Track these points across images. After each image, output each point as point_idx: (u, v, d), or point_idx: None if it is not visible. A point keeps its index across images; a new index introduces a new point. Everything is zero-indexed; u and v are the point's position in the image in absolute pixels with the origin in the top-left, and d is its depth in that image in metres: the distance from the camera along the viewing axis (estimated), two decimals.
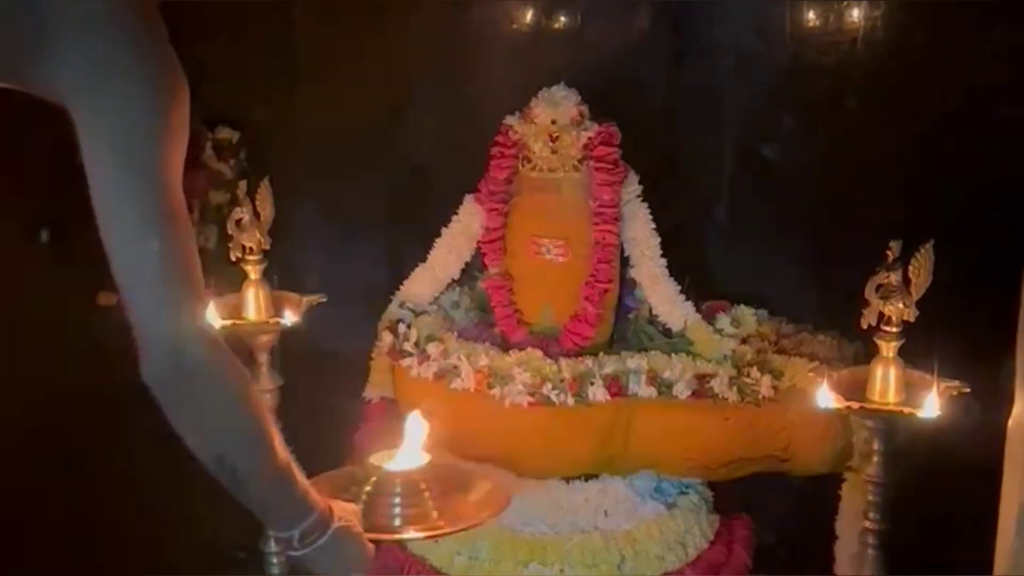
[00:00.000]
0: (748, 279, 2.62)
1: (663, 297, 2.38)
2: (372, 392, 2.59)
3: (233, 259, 2.35)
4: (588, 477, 2.35)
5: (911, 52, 2.51)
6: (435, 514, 1.69)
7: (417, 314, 2.45)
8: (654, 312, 2.40)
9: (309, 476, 2.50)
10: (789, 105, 2.68)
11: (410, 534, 1.69)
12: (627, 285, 2.46)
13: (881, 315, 2.01)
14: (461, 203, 2.45)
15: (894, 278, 1.98)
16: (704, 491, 2.48)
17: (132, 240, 1.32)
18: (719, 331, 2.39)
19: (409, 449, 1.75)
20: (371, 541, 1.62)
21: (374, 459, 1.75)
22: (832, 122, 2.67)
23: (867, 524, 2.11)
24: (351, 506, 1.64)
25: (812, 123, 2.71)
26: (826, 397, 2.03)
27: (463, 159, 2.54)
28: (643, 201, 2.37)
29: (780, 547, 2.54)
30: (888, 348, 2.02)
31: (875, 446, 2.08)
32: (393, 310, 2.46)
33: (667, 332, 2.41)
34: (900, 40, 2.55)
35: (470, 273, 2.54)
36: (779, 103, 2.67)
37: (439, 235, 2.48)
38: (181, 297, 1.33)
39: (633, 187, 2.36)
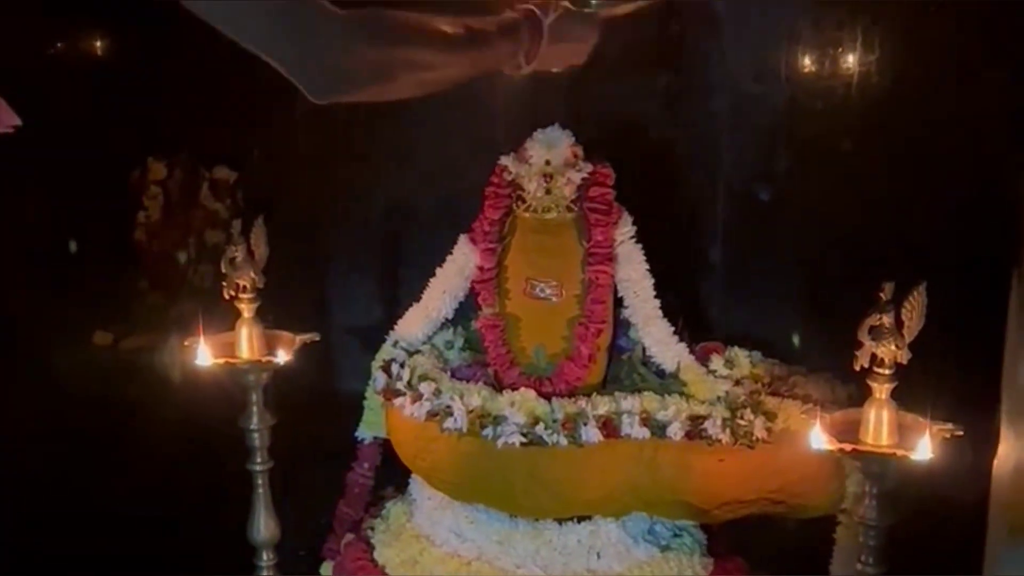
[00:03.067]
0: (742, 321, 2.63)
1: (656, 338, 2.37)
2: (365, 432, 2.58)
3: (227, 297, 2.35)
4: (581, 519, 2.34)
5: (906, 95, 2.52)
6: None
7: (411, 353, 2.45)
8: (648, 353, 2.39)
9: (306, 517, 2.56)
10: (785, 148, 2.68)
11: None
12: (621, 326, 2.45)
13: (874, 357, 2.01)
14: (455, 243, 2.44)
15: (887, 320, 1.98)
16: (698, 534, 2.48)
17: None
18: (713, 372, 2.39)
19: None
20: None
21: None
22: (828, 165, 2.66)
23: (860, 567, 2.10)
24: None
25: (808, 166, 2.71)
26: (819, 439, 2.03)
27: (459, 199, 2.54)
28: (637, 243, 2.36)
29: None
30: (881, 390, 2.02)
31: (868, 488, 2.07)
32: (387, 349, 2.46)
33: (660, 373, 2.40)
34: (895, 83, 2.55)
35: (464, 313, 2.53)
36: (775, 146, 2.68)
37: (434, 275, 2.47)
38: None
39: (627, 228, 2.36)
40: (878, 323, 1.98)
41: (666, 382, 2.38)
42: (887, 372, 2.00)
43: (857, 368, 2.01)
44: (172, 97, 3.25)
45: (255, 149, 3.32)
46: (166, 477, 2.90)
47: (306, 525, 2.63)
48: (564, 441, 2.21)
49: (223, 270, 2.35)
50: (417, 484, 2.51)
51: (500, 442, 2.21)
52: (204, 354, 2.32)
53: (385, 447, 2.59)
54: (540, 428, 2.21)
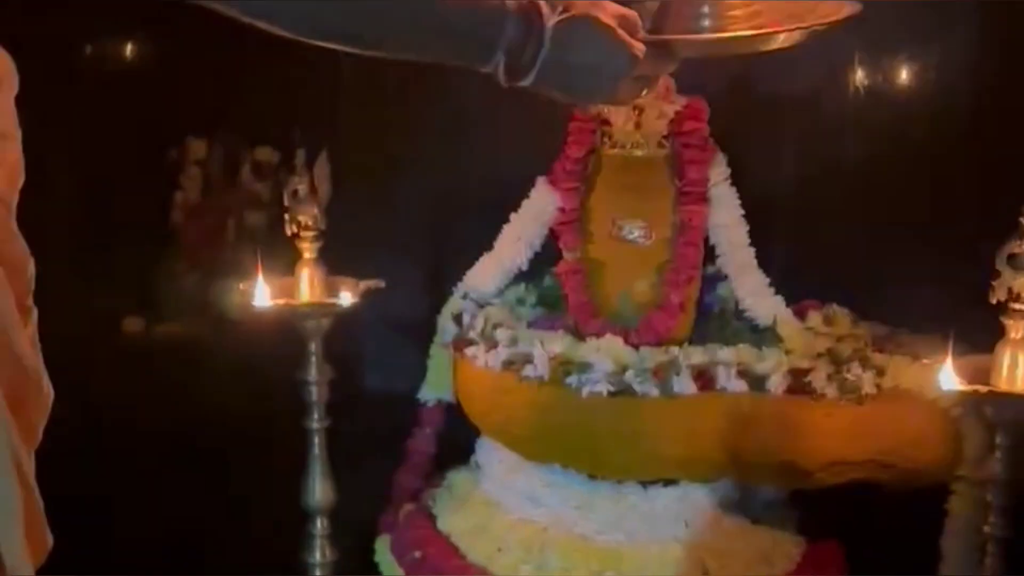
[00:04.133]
0: (829, 284, 2.42)
1: (751, 289, 2.19)
2: (428, 394, 2.39)
3: (288, 233, 2.18)
4: (667, 482, 2.14)
5: None
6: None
7: (481, 306, 2.26)
8: (741, 306, 2.20)
9: (358, 491, 2.36)
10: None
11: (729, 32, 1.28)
12: (706, 282, 2.27)
13: (1010, 291, 1.82)
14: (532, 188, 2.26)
15: None
16: (789, 511, 2.28)
17: None
18: (811, 329, 2.19)
19: None
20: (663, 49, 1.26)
21: None
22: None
23: (987, 529, 1.90)
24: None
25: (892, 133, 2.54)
26: (949, 378, 1.83)
27: (534, 147, 2.36)
28: (731, 185, 2.18)
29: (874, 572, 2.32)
30: (1018, 328, 1.83)
31: (999, 440, 1.87)
32: (455, 301, 2.28)
33: (754, 329, 2.21)
34: None
35: (537, 269, 2.34)
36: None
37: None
38: None
39: (721, 169, 2.18)
40: (1019, 250, 1.79)
41: (761, 337, 2.17)
42: None
43: (993, 301, 1.81)
44: (215, 75, 3.10)
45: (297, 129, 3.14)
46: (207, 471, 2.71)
47: (361, 498, 2.42)
48: (655, 391, 2.02)
49: (285, 203, 2.17)
50: (485, 447, 2.31)
51: (586, 391, 2.02)
52: (262, 294, 2.14)
53: (448, 413, 2.40)
54: (630, 376, 2.02)
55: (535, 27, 1.12)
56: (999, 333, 1.86)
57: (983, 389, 1.81)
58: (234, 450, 2.72)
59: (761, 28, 1.28)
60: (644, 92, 1.29)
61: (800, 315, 2.24)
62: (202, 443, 2.80)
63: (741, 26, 1.28)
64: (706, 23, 1.28)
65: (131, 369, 3.18)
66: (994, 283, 1.80)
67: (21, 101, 1.23)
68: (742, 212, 2.19)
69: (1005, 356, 1.83)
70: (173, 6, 1.14)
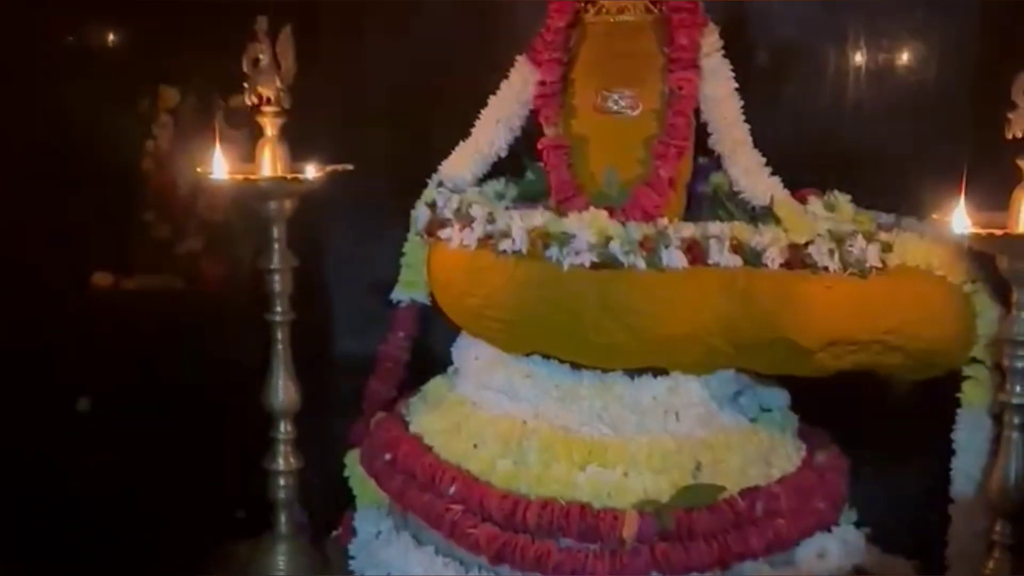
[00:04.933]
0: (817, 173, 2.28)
1: (746, 168, 2.04)
2: (402, 292, 2.24)
3: (248, 104, 2.03)
4: (657, 373, 1.97)
5: None
6: None
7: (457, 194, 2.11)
8: (735, 187, 2.05)
9: (339, 416, 2.19)
10: None
11: None
12: (699, 172, 2.12)
13: None
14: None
15: None
16: (789, 414, 2.12)
17: None
18: (811, 213, 2.04)
19: None
20: None
21: None
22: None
23: (1004, 397, 1.74)
24: None
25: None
26: (961, 221, 1.67)
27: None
28: (724, 57, 2.04)
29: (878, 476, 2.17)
30: None
31: (1017, 297, 1.71)
32: (431, 191, 2.12)
33: (749, 212, 2.05)
34: None
35: (517, 163, 2.20)
36: None
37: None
38: None
39: (713, 39, 2.04)
40: None
41: (757, 220, 2.02)
42: None
43: (1009, 136, 1.67)
44: (189, 21, 2.97)
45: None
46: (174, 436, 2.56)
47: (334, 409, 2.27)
48: (642, 264, 1.86)
49: (244, 70, 2.02)
50: (461, 346, 2.15)
51: (567, 262, 1.87)
52: (219, 165, 1.98)
53: (424, 317, 2.25)
54: (614, 247, 1.86)
55: None
56: (1015, 179, 1.71)
57: (999, 232, 1.65)
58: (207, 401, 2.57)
59: None
60: None
61: (800, 202, 2.08)
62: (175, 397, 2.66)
63: None
64: None
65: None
66: (1010, 115, 1.65)
67: None
68: (736, 85, 2.05)
69: (1022, 202, 1.68)
70: None
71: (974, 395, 1.92)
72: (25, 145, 3.10)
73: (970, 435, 1.94)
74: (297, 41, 2.11)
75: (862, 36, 2.51)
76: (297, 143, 2.11)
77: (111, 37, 3.34)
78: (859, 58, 2.51)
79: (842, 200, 2.08)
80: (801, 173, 2.16)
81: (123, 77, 3.20)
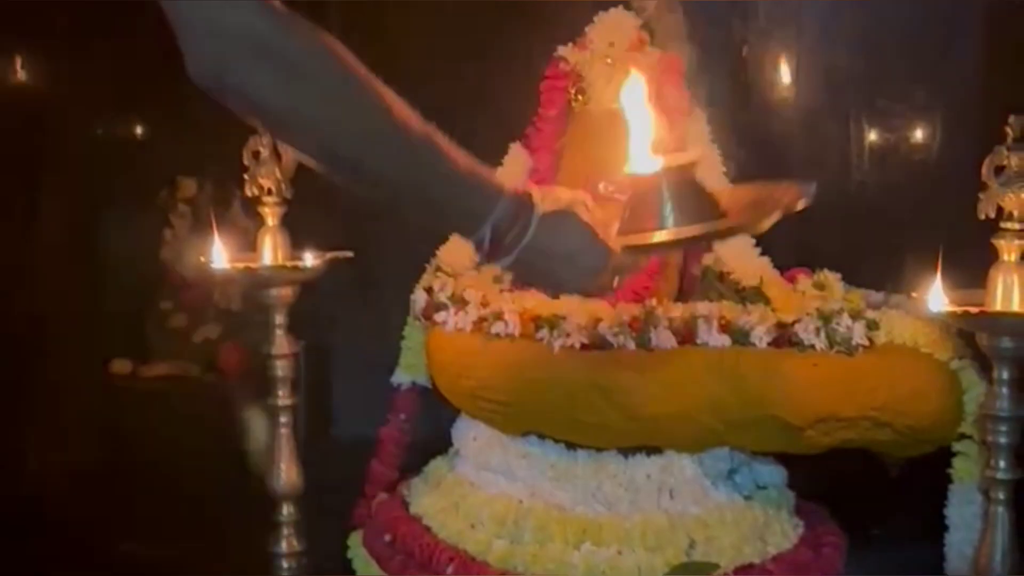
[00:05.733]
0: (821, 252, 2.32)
1: (736, 250, 2.08)
2: (403, 376, 2.29)
3: (248, 195, 2.09)
4: (650, 452, 2.00)
5: None
6: (716, 210, 1.35)
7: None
8: (725, 269, 2.09)
9: (332, 476, 2.23)
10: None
11: (688, 230, 1.32)
12: (690, 252, 2.16)
13: (1000, 210, 1.70)
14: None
15: (1015, 161, 1.68)
16: (785, 491, 2.14)
17: None
18: (800, 293, 2.08)
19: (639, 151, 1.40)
20: (629, 248, 1.30)
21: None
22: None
23: (989, 473, 1.75)
24: (574, 192, 1.30)
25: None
26: (938, 300, 1.70)
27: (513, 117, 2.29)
28: (712, 142, 2.09)
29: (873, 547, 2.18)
30: (1010, 249, 1.71)
31: (997, 373, 1.73)
32: (428, 276, 2.17)
33: (739, 292, 2.09)
34: None
35: None
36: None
37: None
38: None
39: (701, 126, 2.10)
40: (1005, 162, 1.67)
41: (747, 297, 2.06)
42: (1016, 227, 1.69)
43: (981, 217, 1.70)
44: (206, 113, 3.07)
45: None
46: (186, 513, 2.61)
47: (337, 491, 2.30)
48: (631, 344, 1.91)
49: (244, 162, 2.09)
50: (460, 428, 2.19)
51: (557, 344, 1.91)
52: (219, 254, 2.04)
53: (424, 399, 2.29)
54: (604, 328, 1.91)
55: (524, 212, 1.19)
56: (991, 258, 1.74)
57: (974, 310, 1.68)
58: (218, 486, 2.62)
59: (722, 215, 1.34)
60: (616, 283, 1.38)
61: (790, 280, 2.12)
62: (187, 480, 2.71)
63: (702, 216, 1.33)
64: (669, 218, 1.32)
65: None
66: (981, 195, 1.69)
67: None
68: (723, 170, 2.10)
69: (999, 281, 1.71)
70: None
71: (964, 471, 1.93)
72: (46, 233, 3.20)
73: (962, 511, 1.94)
74: None
75: (862, 115, 2.56)
76: (299, 230, 2.17)
77: (132, 129, 3.46)
78: (858, 137, 2.56)
79: (831, 279, 2.12)
80: (795, 251, 2.21)
81: (142, 168, 3.30)
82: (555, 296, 1.96)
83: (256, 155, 2.10)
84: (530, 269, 1.24)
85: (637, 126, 1.42)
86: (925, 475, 2.02)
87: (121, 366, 3.38)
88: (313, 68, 1.09)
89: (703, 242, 1.54)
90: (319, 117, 1.09)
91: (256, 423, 2.61)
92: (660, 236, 1.33)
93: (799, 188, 1.40)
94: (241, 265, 2.07)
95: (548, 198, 1.23)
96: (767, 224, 1.36)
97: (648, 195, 1.35)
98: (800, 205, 1.38)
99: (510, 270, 1.26)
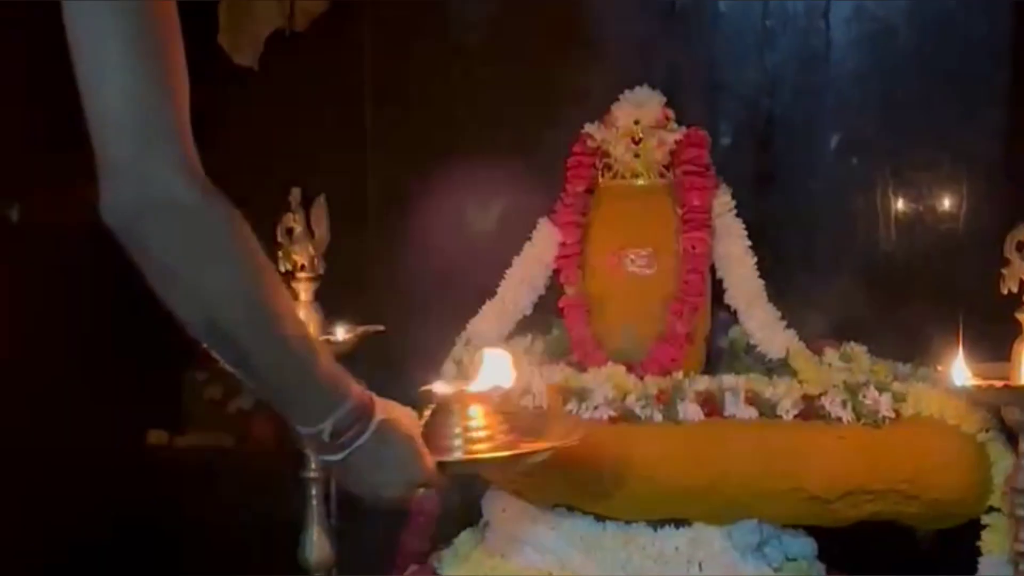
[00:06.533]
0: (846, 320, 2.33)
1: (762, 321, 2.11)
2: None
3: (282, 270, 2.13)
4: (679, 524, 2.01)
5: None
6: (508, 437, 1.42)
7: None
8: (751, 341, 2.12)
9: (363, 548, 2.25)
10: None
11: (483, 454, 1.40)
12: (717, 322, 2.19)
13: (1021, 283, 1.72)
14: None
15: None
16: (816, 564, 2.13)
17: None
18: (828, 365, 2.10)
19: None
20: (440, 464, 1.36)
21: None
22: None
23: (1018, 547, 1.76)
24: (406, 410, 1.36)
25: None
26: (961, 373, 1.72)
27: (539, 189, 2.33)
28: (737, 216, 2.12)
29: None
30: None
31: (1022, 446, 1.74)
32: (458, 349, 2.20)
33: (766, 365, 2.11)
34: None
35: (543, 318, 2.28)
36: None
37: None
38: (155, 120, 1.10)
39: (726, 199, 2.13)
40: None
41: (773, 372, 2.08)
42: None
43: (1004, 292, 1.72)
44: (234, 191, 3.13)
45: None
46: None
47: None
48: (659, 417, 1.93)
49: (278, 239, 2.13)
50: (490, 500, 2.20)
51: (586, 416, 1.93)
52: None
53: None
54: (631, 401, 1.93)
55: (365, 416, 1.25)
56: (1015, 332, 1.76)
57: (999, 384, 1.69)
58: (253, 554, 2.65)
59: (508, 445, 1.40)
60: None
61: (816, 352, 2.14)
62: (220, 547, 2.74)
63: (490, 444, 1.40)
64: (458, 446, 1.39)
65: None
66: (1003, 271, 1.71)
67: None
68: (749, 243, 2.13)
69: (1022, 355, 1.72)
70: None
71: (993, 543, 1.94)
72: (84, 310, 3.25)
73: None
74: (338, 211, 2.24)
75: (890, 186, 2.59)
76: (332, 303, 2.21)
77: None
78: (885, 210, 2.58)
79: (858, 351, 2.14)
80: (821, 323, 2.23)
81: None
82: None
83: (290, 232, 2.14)
84: (355, 471, 1.28)
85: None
86: (955, 547, 2.02)
87: (157, 436, 3.41)
88: (219, 242, 1.13)
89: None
90: (210, 286, 1.14)
91: (288, 494, 2.63)
92: (450, 458, 1.39)
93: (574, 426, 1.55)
94: None
95: (387, 408, 1.29)
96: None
97: (441, 418, 1.41)
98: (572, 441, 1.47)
99: (334, 468, 1.28)
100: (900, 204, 2.58)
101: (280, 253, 2.15)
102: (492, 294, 2.26)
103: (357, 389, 1.27)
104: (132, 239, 1.12)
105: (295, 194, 2.17)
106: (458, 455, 1.39)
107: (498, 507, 2.16)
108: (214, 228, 1.13)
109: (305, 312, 2.15)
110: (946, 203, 2.58)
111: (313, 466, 2.15)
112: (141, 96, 1.10)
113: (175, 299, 1.15)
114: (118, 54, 1.09)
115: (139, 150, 1.10)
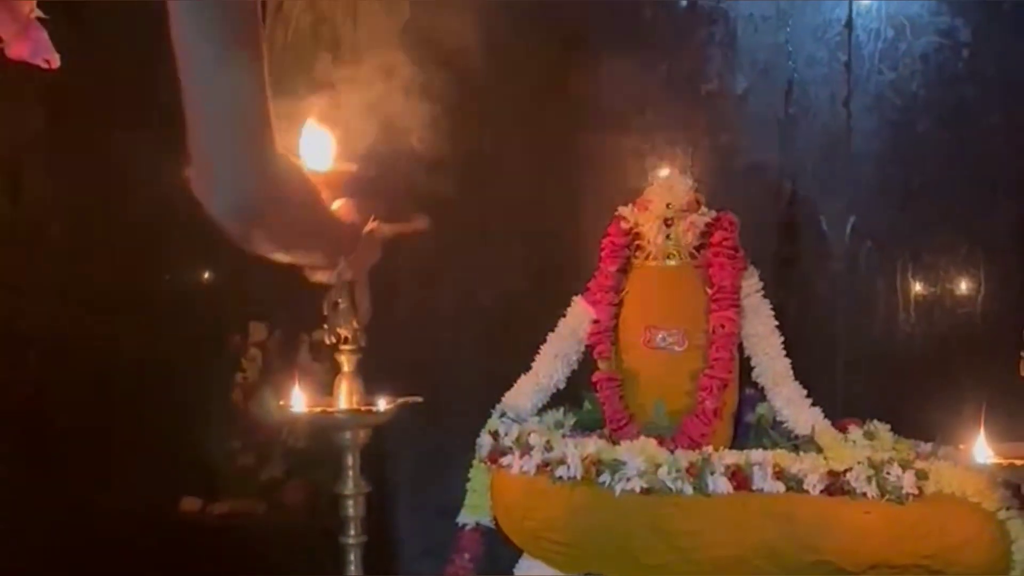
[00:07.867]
0: (867, 401, 2.41)
1: (789, 399, 2.18)
2: (467, 516, 2.37)
3: (327, 342, 2.22)
4: None
5: None
6: None
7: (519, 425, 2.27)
8: (778, 418, 2.19)
9: None
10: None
11: None
12: (745, 402, 2.27)
13: None
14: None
15: None
16: None
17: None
18: (852, 443, 2.17)
19: None
20: None
21: None
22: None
23: None
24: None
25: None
26: (982, 452, 1.79)
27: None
28: (764, 297, 2.21)
29: None
30: None
31: None
32: (494, 421, 2.28)
33: (793, 441, 2.19)
34: None
35: (575, 392, 2.36)
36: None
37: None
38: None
39: (754, 280, 2.22)
40: None
41: (799, 445, 2.15)
42: None
43: (1022, 374, 1.79)
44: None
45: None
46: None
47: None
48: (689, 489, 2.00)
49: (325, 312, 2.22)
50: (523, 568, 2.27)
51: (618, 487, 2.01)
52: (299, 400, 2.17)
53: (488, 539, 2.37)
54: (663, 473, 2.00)
55: None
56: None
57: (1019, 462, 1.77)
58: None
59: None
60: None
61: (840, 430, 2.21)
62: None
63: None
64: None
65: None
66: (1022, 354, 1.79)
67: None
68: (776, 323, 2.21)
69: None
70: None
71: None
72: (121, 375, 3.33)
73: None
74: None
75: (909, 270, 2.67)
76: (372, 375, 2.29)
77: (205, 276, 3.62)
78: (904, 292, 2.66)
79: (881, 429, 2.21)
80: (845, 402, 2.30)
81: (216, 313, 3.45)
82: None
83: (335, 305, 2.22)
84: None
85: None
86: None
87: (191, 504, 3.48)
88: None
89: None
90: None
91: (321, 562, 2.69)
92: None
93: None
94: (319, 409, 2.18)
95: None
96: None
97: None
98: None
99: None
100: (919, 287, 2.66)
101: (325, 326, 2.23)
102: (528, 368, 2.34)
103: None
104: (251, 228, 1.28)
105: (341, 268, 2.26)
106: None
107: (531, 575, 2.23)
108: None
109: (348, 383, 2.23)
110: (964, 287, 2.65)
111: (352, 531, 2.22)
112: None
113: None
114: None
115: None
